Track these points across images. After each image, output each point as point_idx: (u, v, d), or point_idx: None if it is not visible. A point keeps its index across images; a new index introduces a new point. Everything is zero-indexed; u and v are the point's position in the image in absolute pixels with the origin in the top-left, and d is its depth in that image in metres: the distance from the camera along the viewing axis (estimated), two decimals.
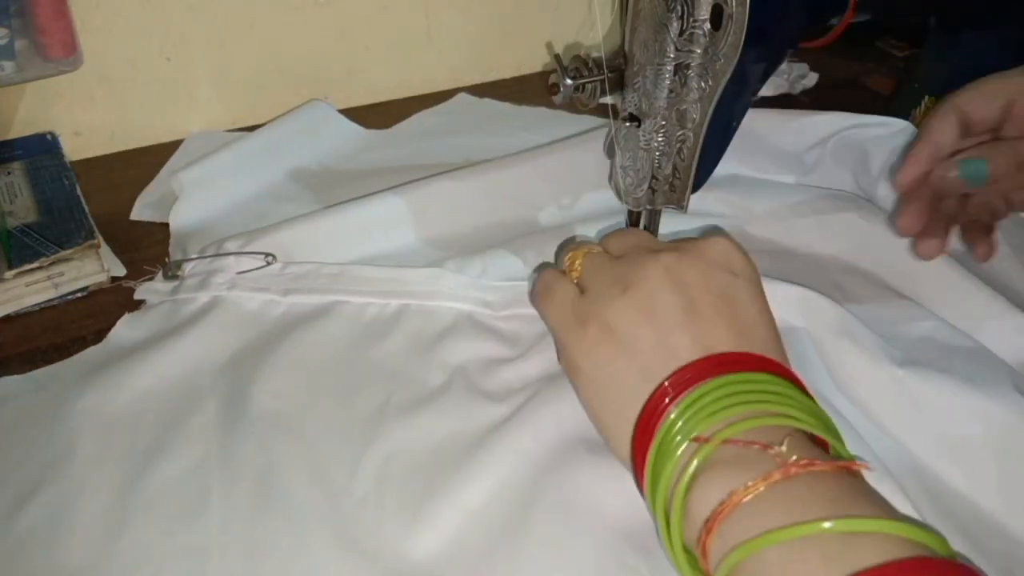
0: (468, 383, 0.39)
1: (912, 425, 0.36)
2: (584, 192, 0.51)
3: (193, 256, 0.45)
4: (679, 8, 0.35)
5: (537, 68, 0.71)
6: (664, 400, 0.29)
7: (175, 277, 0.44)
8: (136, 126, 0.58)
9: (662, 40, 0.36)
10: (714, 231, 0.36)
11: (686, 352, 0.30)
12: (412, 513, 0.33)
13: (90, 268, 0.44)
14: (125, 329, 0.42)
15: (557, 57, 0.40)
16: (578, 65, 0.40)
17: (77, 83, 0.53)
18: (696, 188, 0.41)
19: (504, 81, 0.70)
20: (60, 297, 0.44)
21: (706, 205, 0.50)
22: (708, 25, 0.35)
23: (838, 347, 0.38)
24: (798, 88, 0.68)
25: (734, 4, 0.33)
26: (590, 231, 0.48)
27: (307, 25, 0.60)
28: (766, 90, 0.66)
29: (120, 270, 0.46)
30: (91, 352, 0.41)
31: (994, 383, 0.36)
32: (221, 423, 0.37)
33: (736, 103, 0.39)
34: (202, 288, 0.43)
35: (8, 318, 0.43)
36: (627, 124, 0.40)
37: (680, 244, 0.34)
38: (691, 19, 0.35)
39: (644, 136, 0.40)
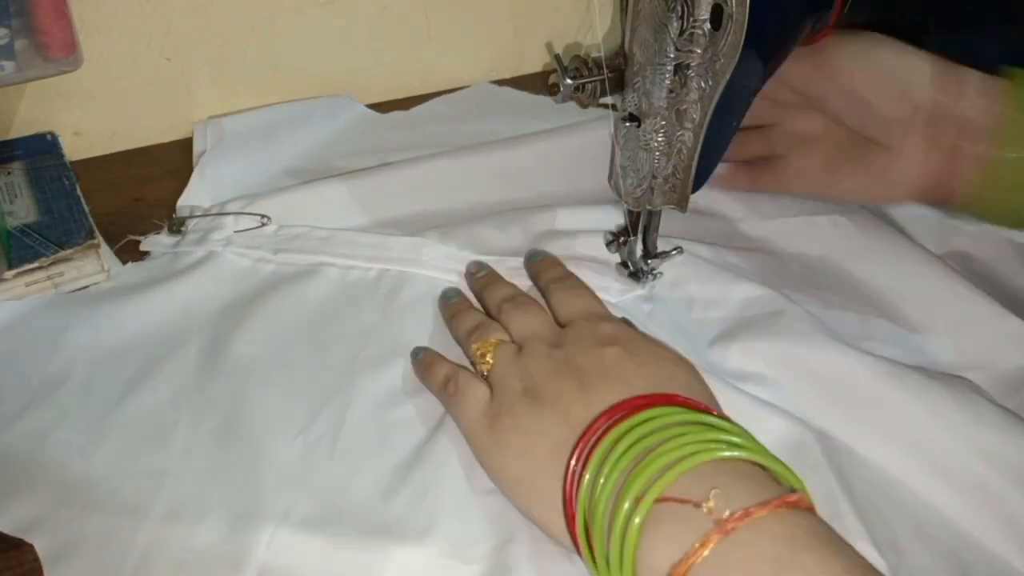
0: (437, 347, 0.41)
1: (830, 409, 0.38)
2: (581, 179, 0.52)
3: (197, 214, 0.49)
4: (679, 8, 0.35)
5: (537, 68, 0.71)
6: (578, 465, 0.31)
7: (178, 232, 0.48)
8: (136, 126, 0.58)
9: (662, 40, 0.36)
10: (588, 306, 0.40)
11: (583, 419, 0.32)
12: (356, 462, 0.36)
13: (90, 268, 0.45)
14: (127, 275, 0.45)
15: (557, 57, 0.40)
16: (578, 65, 0.40)
17: (77, 83, 0.53)
18: (696, 188, 0.41)
19: (504, 81, 0.70)
20: None
21: (707, 203, 0.50)
22: (708, 25, 0.35)
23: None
24: None
25: (734, 4, 0.33)
26: (582, 218, 0.49)
27: (307, 25, 0.60)
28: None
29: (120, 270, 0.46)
30: (93, 291, 0.44)
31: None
32: (199, 364, 0.40)
33: (736, 103, 0.39)
34: (200, 243, 0.47)
35: None
36: (627, 124, 0.40)
37: (566, 333, 0.38)
38: (691, 19, 0.35)
39: (644, 136, 0.40)
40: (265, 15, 0.58)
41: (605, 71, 0.40)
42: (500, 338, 0.39)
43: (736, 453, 0.28)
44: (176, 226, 0.48)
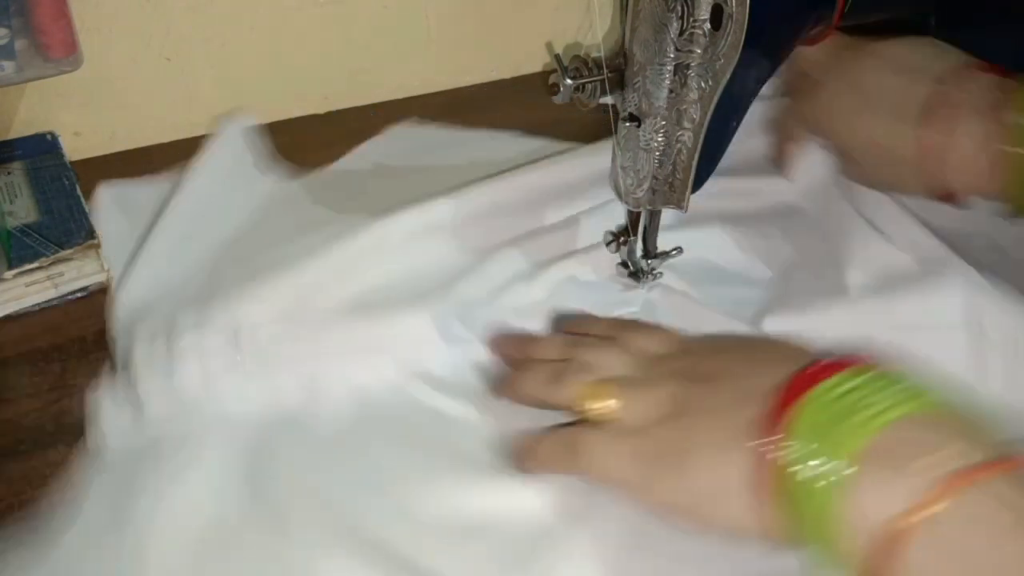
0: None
1: None
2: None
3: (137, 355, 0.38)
4: (679, 8, 0.35)
5: (537, 68, 0.71)
6: (767, 448, 0.28)
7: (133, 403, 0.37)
8: (136, 126, 0.58)
9: (662, 40, 0.36)
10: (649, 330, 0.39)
11: (753, 407, 0.30)
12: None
13: (90, 268, 0.44)
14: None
15: (557, 57, 0.40)
16: (578, 65, 0.40)
17: (77, 83, 0.53)
18: (696, 188, 0.41)
19: (504, 81, 0.70)
20: (60, 297, 0.44)
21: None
22: (708, 25, 0.35)
23: None
24: None
25: (734, 4, 0.33)
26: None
27: (307, 25, 0.60)
28: (766, 90, 0.66)
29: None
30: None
31: None
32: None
33: (736, 103, 0.39)
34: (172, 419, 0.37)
35: (8, 318, 0.43)
36: (627, 124, 0.40)
37: (677, 347, 0.36)
38: (691, 19, 0.35)
39: (644, 136, 0.40)
40: (265, 15, 0.58)
41: (605, 71, 0.40)
42: (601, 378, 0.35)
43: (947, 407, 0.26)
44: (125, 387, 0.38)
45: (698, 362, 0.34)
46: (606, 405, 0.33)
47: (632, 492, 0.33)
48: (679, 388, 0.33)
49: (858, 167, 0.48)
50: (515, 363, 0.39)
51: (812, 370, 0.29)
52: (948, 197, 0.44)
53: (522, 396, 0.37)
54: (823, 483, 0.26)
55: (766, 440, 0.28)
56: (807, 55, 0.48)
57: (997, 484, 0.24)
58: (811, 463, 0.26)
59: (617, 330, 0.38)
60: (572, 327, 0.41)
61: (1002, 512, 0.24)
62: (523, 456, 0.35)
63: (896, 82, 0.45)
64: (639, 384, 0.34)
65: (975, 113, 0.41)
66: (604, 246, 0.46)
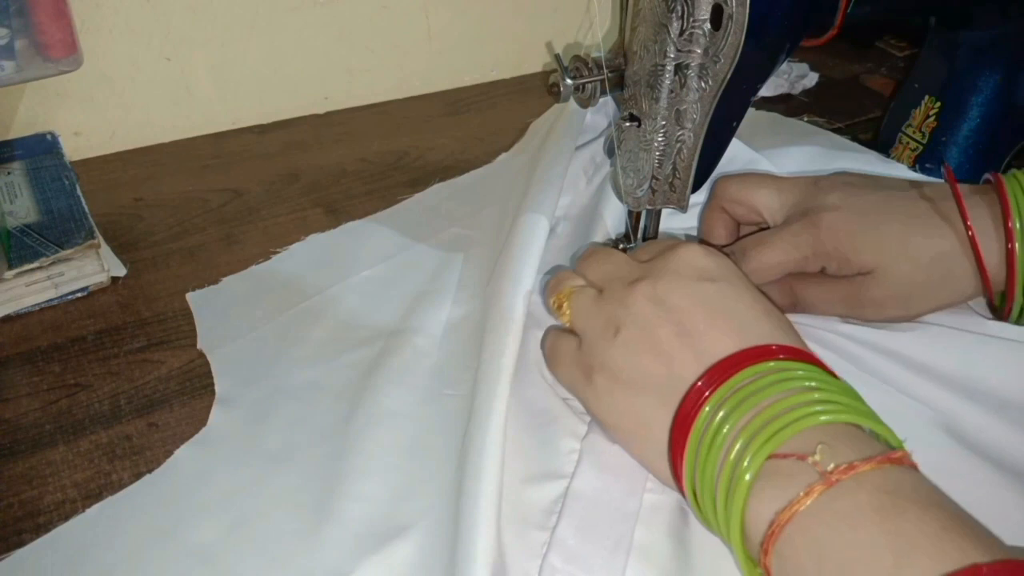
0: None
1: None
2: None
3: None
4: (679, 8, 0.35)
5: (537, 68, 0.71)
6: (686, 423, 0.30)
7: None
8: (136, 126, 0.58)
9: (662, 40, 0.36)
10: (678, 242, 0.37)
11: (692, 371, 0.31)
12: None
13: (90, 268, 0.44)
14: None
15: (557, 57, 0.40)
16: (578, 65, 0.40)
17: (77, 83, 0.53)
18: (696, 188, 0.41)
19: (504, 81, 0.70)
20: (60, 297, 0.44)
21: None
22: (708, 25, 0.35)
23: None
24: (798, 88, 0.68)
25: (734, 4, 0.33)
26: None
27: (307, 25, 0.60)
28: (766, 90, 0.66)
29: (120, 270, 0.46)
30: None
31: None
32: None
33: (736, 103, 0.39)
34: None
35: (8, 318, 0.43)
36: (627, 124, 0.40)
37: (652, 266, 0.35)
38: (691, 19, 0.35)
39: (644, 136, 0.40)
40: (265, 15, 0.58)
41: (605, 71, 0.40)
42: (575, 285, 0.37)
43: (843, 417, 0.28)
44: None
45: (669, 287, 0.33)
46: (564, 310, 0.36)
47: (568, 390, 0.37)
48: (627, 312, 0.33)
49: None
50: None
51: (735, 357, 0.30)
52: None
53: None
54: (725, 478, 0.28)
55: (680, 422, 0.30)
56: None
57: (865, 477, 0.26)
58: (713, 457, 0.29)
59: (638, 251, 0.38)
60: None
61: (862, 503, 0.25)
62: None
63: (902, 197, 0.41)
64: (596, 295, 0.36)
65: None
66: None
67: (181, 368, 0.41)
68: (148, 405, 0.39)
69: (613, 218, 0.48)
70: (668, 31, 0.36)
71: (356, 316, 0.44)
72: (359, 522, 0.33)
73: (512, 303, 0.39)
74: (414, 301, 0.44)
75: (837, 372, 0.31)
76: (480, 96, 0.68)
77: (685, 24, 0.35)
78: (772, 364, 0.30)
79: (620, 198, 0.43)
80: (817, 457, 0.26)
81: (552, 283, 0.39)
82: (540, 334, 0.40)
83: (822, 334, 0.41)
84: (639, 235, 0.44)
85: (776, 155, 0.54)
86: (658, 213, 0.43)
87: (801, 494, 0.26)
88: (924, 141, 0.54)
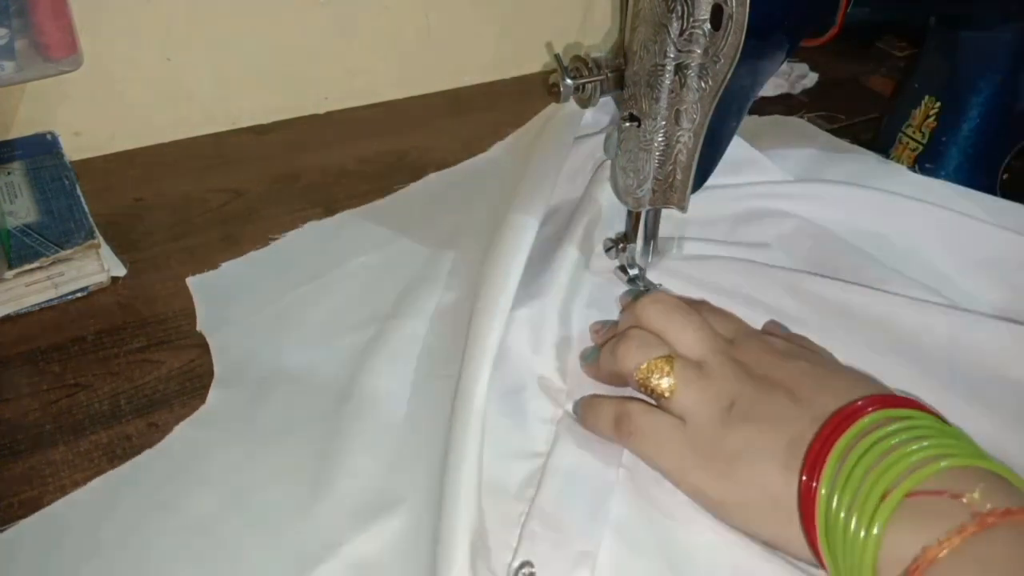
0: None
1: None
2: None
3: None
4: (679, 8, 0.35)
5: (537, 68, 0.71)
6: (812, 479, 0.29)
7: None
8: (136, 126, 0.58)
9: (662, 40, 0.36)
10: (736, 318, 0.39)
11: (812, 431, 0.31)
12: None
13: (90, 268, 0.45)
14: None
15: (557, 57, 0.40)
16: (578, 65, 0.40)
17: (77, 83, 0.53)
18: (696, 188, 0.41)
19: (504, 81, 0.70)
20: (60, 297, 0.44)
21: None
22: (708, 25, 0.35)
23: None
24: (798, 88, 0.68)
25: (734, 4, 0.33)
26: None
27: (307, 25, 0.60)
28: (766, 90, 0.66)
29: (120, 270, 0.46)
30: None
31: None
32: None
33: (736, 103, 0.39)
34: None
35: (8, 318, 0.43)
36: (627, 124, 0.40)
37: (738, 340, 0.36)
38: (691, 19, 0.35)
39: (644, 136, 0.40)
40: (265, 15, 0.58)
41: (605, 71, 0.40)
42: (666, 354, 0.35)
43: (980, 463, 0.27)
44: None
45: (762, 361, 0.35)
46: (661, 384, 0.34)
47: (670, 476, 0.34)
48: (738, 386, 0.33)
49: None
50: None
51: (853, 408, 0.30)
52: None
53: (597, 371, 0.39)
54: (851, 534, 0.27)
55: (806, 481, 0.29)
56: None
57: (1005, 530, 0.25)
58: (842, 514, 0.27)
59: (688, 305, 0.38)
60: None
61: (1009, 557, 0.24)
62: (581, 413, 0.37)
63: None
64: (698, 369, 0.35)
65: None
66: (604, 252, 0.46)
67: (181, 368, 0.41)
68: (148, 405, 0.39)
69: (608, 201, 0.48)
70: (668, 31, 0.36)
71: (352, 301, 0.45)
72: (353, 496, 0.34)
73: (497, 295, 0.39)
74: (408, 287, 0.46)
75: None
76: (480, 96, 0.68)
77: (685, 24, 0.35)
78: (890, 412, 0.30)
79: (620, 198, 0.43)
80: (976, 495, 0.26)
81: (631, 347, 0.36)
82: (522, 314, 0.40)
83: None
84: (639, 235, 0.44)
85: (776, 156, 0.53)
86: (658, 213, 0.43)
87: (950, 534, 0.25)
88: (924, 141, 0.54)
